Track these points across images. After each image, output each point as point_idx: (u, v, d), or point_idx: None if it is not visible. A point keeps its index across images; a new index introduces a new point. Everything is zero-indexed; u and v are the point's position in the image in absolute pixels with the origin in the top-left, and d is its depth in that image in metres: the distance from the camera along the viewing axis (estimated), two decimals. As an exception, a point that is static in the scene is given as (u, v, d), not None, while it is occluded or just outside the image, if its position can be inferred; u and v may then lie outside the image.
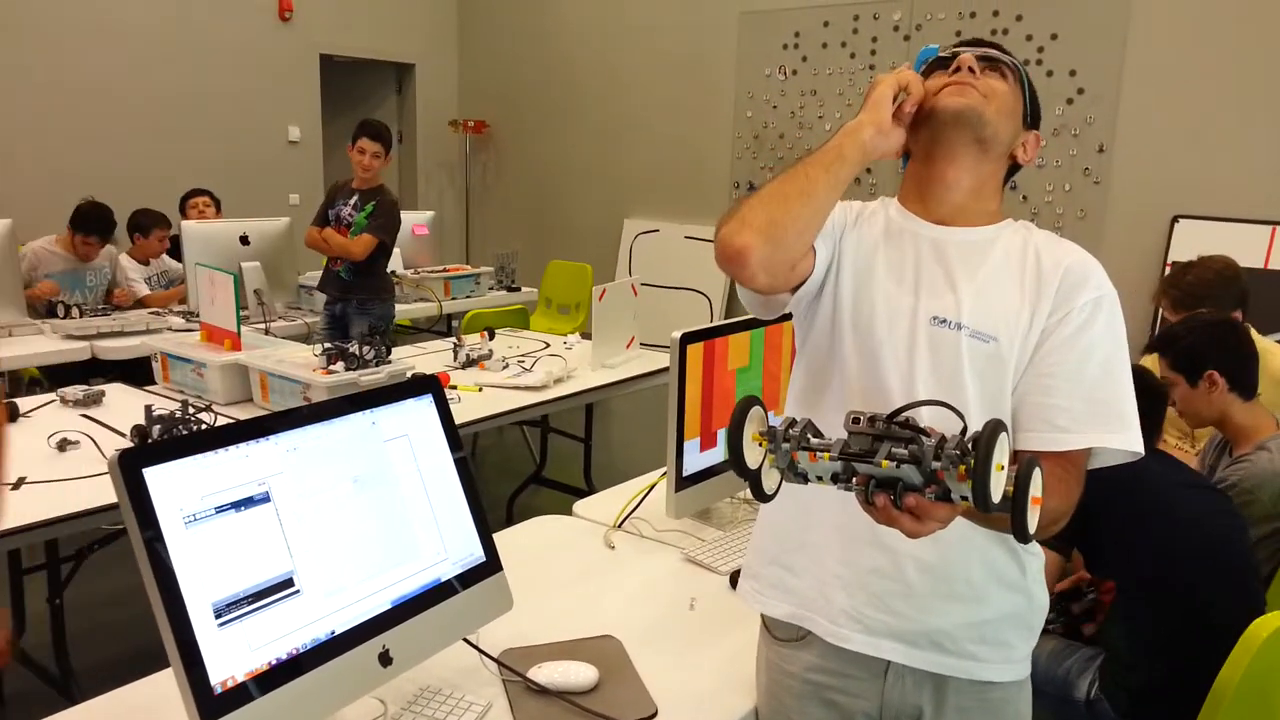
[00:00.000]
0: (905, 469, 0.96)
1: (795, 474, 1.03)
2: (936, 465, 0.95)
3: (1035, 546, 1.33)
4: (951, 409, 1.04)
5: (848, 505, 1.05)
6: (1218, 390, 2.33)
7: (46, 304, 4.26)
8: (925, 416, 1.19)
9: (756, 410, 1.06)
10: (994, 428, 0.92)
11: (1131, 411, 1.22)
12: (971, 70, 1.27)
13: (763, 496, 1.09)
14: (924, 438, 0.97)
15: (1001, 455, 0.94)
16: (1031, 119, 1.33)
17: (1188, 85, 5.31)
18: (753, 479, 1.07)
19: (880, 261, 1.30)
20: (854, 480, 1.00)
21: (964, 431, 0.97)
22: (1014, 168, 1.35)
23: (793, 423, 1.04)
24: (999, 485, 0.94)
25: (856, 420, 1.01)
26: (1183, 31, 5.30)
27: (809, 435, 1.03)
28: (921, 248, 1.29)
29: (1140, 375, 1.60)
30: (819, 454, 1.00)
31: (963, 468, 0.94)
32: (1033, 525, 0.98)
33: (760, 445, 1.05)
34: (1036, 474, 0.98)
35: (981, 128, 1.26)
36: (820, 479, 1.02)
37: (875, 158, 1.25)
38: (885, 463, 0.97)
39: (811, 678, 1.36)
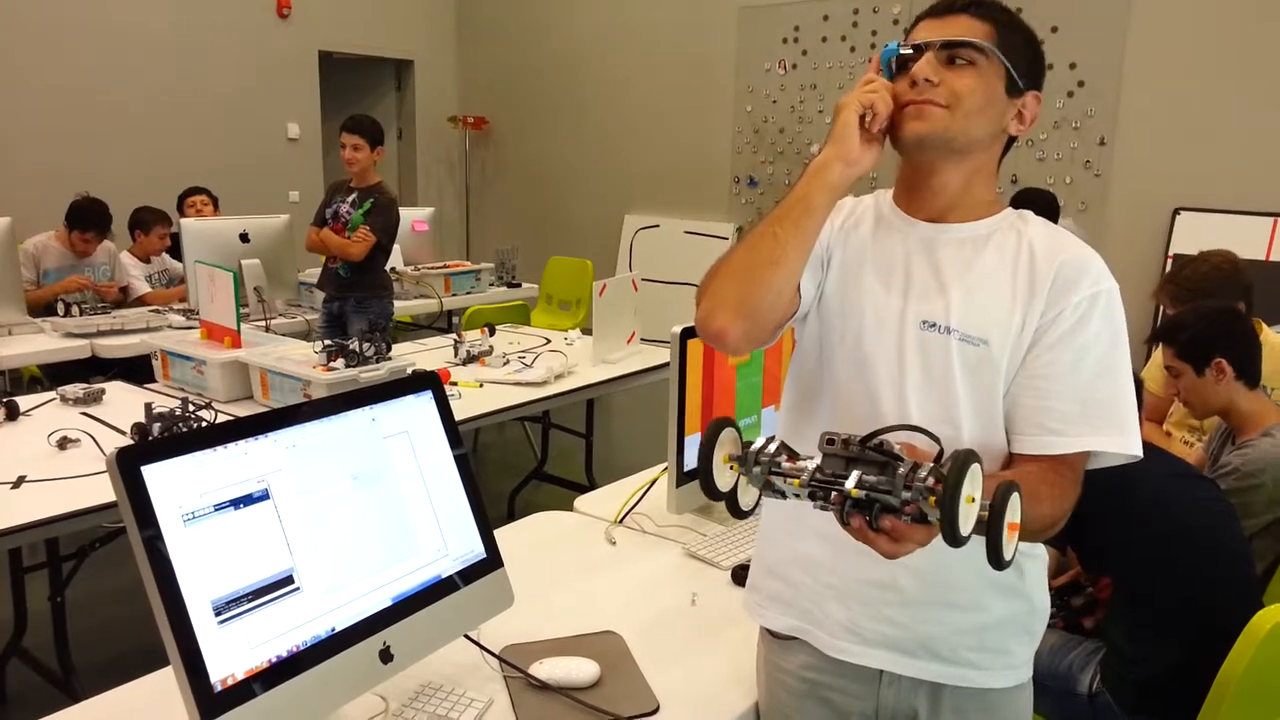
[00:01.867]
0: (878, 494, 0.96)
1: (774, 491, 1.03)
2: (907, 495, 0.94)
3: (1037, 548, 1.30)
4: (927, 435, 1.03)
5: None
6: (1225, 379, 2.32)
7: (46, 302, 4.26)
8: (914, 418, 1.18)
9: (729, 433, 1.04)
10: (964, 461, 0.91)
11: (1129, 413, 1.18)
12: (929, 80, 1.18)
13: (739, 514, 1.09)
14: (898, 463, 0.96)
15: (972, 487, 0.92)
16: (1027, 80, 1.22)
17: (1189, 77, 5.29)
18: (726, 501, 1.06)
19: (868, 267, 1.27)
20: (831, 499, 0.98)
21: (940, 456, 0.96)
22: (1012, 139, 1.27)
23: (766, 444, 1.03)
24: (970, 517, 0.93)
25: (831, 441, 1.00)
26: (1183, 23, 5.28)
27: (780, 459, 1.02)
28: (911, 247, 1.26)
29: None
30: (790, 479, 1.00)
31: (933, 499, 0.93)
32: (1009, 553, 0.96)
33: (732, 469, 1.05)
34: (1014, 500, 0.96)
35: (950, 143, 1.19)
36: (799, 496, 1.01)
37: (850, 185, 1.20)
38: (855, 490, 0.96)
39: (807, 675, 1.36)
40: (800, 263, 1.20)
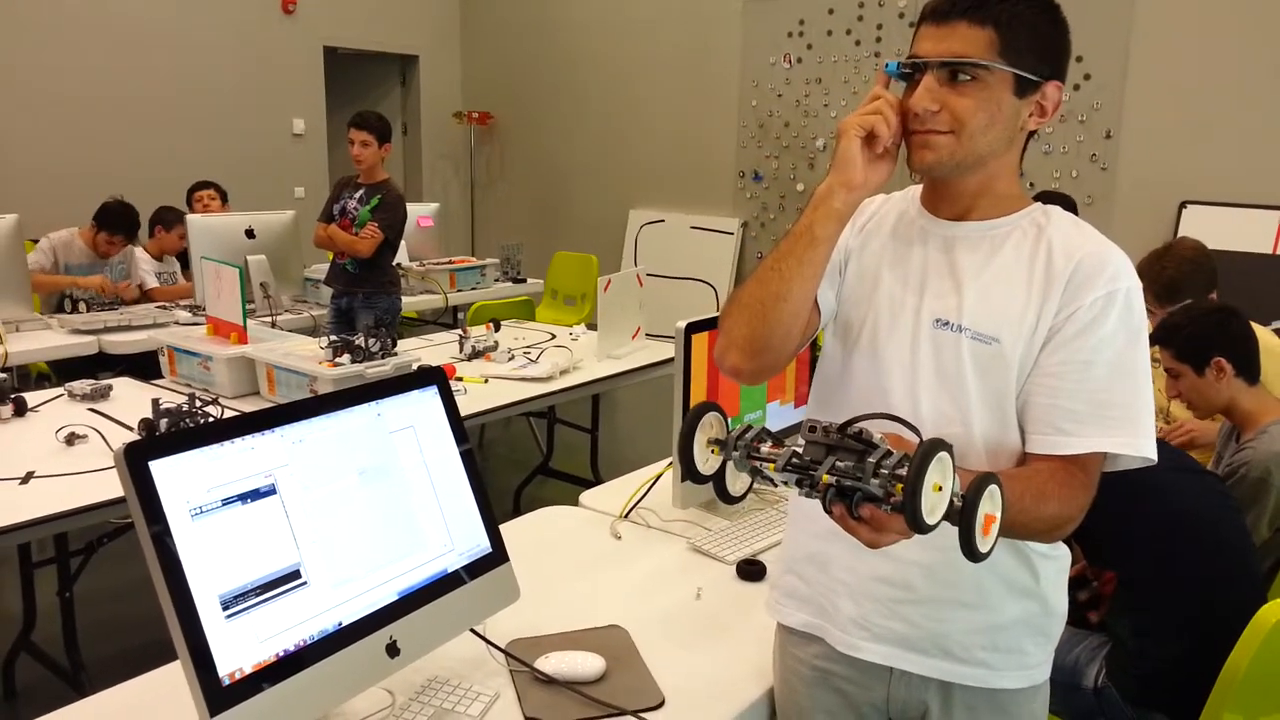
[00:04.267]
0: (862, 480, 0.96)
1: (763, 477, 1.03)
2: (875, 482, 0.94)
3: (1058, 549, 1.30)
4: (906, 425, 1.03)
5: None
6: (1225, 377, 2.32)
7: (58, 298, 4.28)
8: (928, 423, 1.18)
9: (712, 417, 1.05)
10: (929, 448, 0.91)
11: (1142, 414, 1.16)
12: (930, 109, 1.15)
13: (728, 499, 1.10)
14: (873, 450, 0.96)
15: (941, 475, 0.92)
16: (1044, 71, 1.17)
17: (1194, 70, 5.27)
18: (713, 483, 1.07)
19: (886, 266, 1.28)
20: (816, 486, 0.98)
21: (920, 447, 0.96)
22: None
23: (747, 429, 1.03)
24: (938, 505, 0.92)
25: (813, 429, 1.00)
26: (1188, 16, 5.26)
27: (761, 444, 1.03)
28: (931, 246, 1.26)
29: None
30: (765, 464, 1.00)
31: (899, 485, 0.93)
32: (984, 545, 0.95)
33: (714, 453, 1.05)
34: (991, 491, 0.95)
35: (959, 166, 1.18)
36: (786, 484, 1.01)
37: (855, 207, 1.19)
38: (826, 477, 0.96)
39: (820, 665, 1.37)
40: (808, 296, 1.21)
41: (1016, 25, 1.14)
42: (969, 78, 1.14)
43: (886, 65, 1.20)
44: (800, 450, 1.01)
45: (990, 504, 0.95)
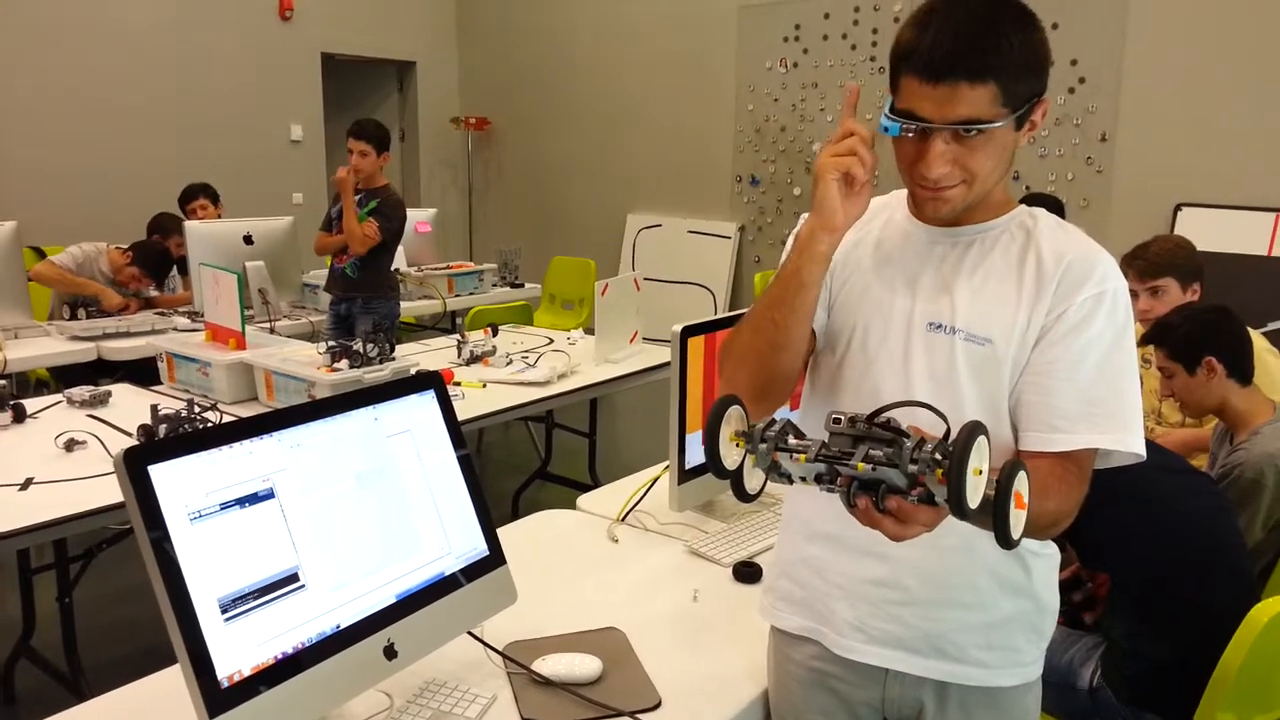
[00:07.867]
0: (886, 470, 0.95)
1: (779, 474, 1.02)
2: (913, 469, 0.94)
3: (1048, 547, 1.31)
4: (934, 411, 1.02)
5: (843, 516, 1.03)
6: (1217, 377, 2.33)
7: (65, 301, 4.27)
8: (922, 418, 1.18)
9: (735, 410, 1.04)
10: (970, 431, 0.91)
11: (1130, 411, 1.18)
12: (945, 172, 1.14)
13: (745, 496, 1.09)
14: (904, 439, 0.95)
15: (980, 459, 0.92)
16: (1036, 95, 1.16)
17: (1189, 73, 5.29)
18: (732, 479, 1.06)
19: (873, 274, 1.29)
20: (837, 481, 0.98)
21: (947, 434, 0.96)
22: None
23: (771, 423, 1.03)
24: (977, 490, 0.91)
25: (837, 420, 1.00)
26: (1183, 18, 5.28)
27: (787, 436, 1.02)
28: (921, 250, 1.27)
29: None
30: (796, 455, 0.99)
31: (940, 471, 0.92)
32: (1017, 531, 0.95)
33: (738, 446, 1.04)
34: (1021, 477, 0.95)
35: (971, 205, 1.20)
36: (804, 479, 1.01)
37: (840, 241, 1.19)
38: (861, 465, 0.95)
39: (815, 665, 1.38)
40: (804, 337, 1.22)
41: (1013, 69, 1.11)
42: (977, 132, 1.12)
43: (885, 128, 1.17)
44: (827, 441, 1.00)
45: (1020, 490, 0.95)
